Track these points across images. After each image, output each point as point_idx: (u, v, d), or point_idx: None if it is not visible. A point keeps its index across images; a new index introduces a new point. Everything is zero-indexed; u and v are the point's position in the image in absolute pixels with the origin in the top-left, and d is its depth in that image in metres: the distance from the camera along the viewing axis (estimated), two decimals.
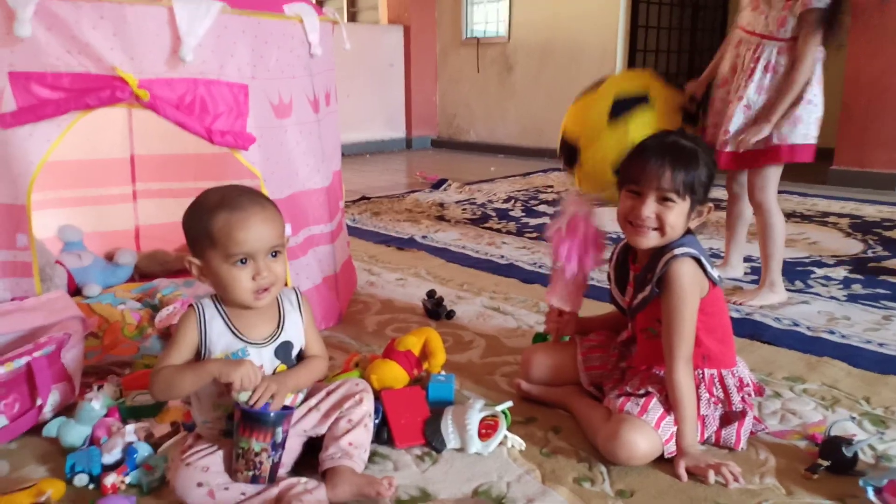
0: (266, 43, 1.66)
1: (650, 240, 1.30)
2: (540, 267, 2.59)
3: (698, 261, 1.28)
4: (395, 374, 1.50)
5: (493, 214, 3.58)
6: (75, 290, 2.07)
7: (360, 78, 6.06)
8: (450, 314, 2.06)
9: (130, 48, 1.48)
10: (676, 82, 2.09)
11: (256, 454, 1.08)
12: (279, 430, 1.10)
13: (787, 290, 2.23)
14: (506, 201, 3.93)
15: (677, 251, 1.27)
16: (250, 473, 1.09)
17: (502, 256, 2.75)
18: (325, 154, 1.94)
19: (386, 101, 6.56)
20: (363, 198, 4.04)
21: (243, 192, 1.17)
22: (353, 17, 7.20)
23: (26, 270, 1.57)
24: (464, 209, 3.72)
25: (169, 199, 2.43)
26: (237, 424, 1.09)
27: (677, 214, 1.27)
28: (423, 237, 3.07)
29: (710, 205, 1.33)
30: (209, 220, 1.11)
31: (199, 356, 1.16)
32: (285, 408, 1.14)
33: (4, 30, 1.43)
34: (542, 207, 3.75)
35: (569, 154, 1.99)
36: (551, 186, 4.43)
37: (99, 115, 1.55)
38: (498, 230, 3.23)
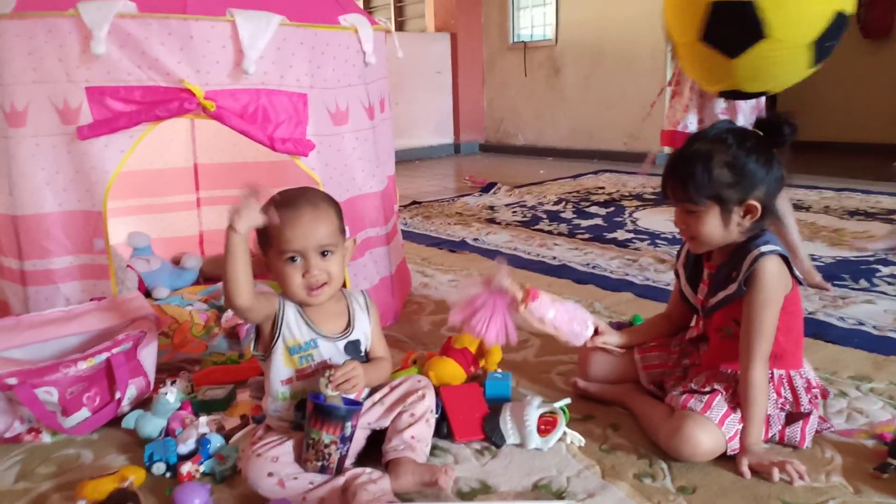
0: (323, 53, 1.72)
1: (696, 247, 1.34)
2: (594, 268, 2.59)
3: (784, 258, 1.26)
4: (452, 371, 1.52)
5: (544, 216, 3.58)
6: (145, 293, 2.17)
7: (409, 86, 6.14)
8: None
9: (196, 62, 1.55)
10: None
11: (326, 446, 1.12)
12: (348, 424, 1.14)
13: (852, 288, 2.21)
14: (556, 203, 3.92)
15: (764, 248, 1.24)
16: (319, 464, 1.13)
17: (554, 258, 2.75)
18: (380, 159, 1.99)
19: (434, 108, 6.62)
20: (414, 202, 4.09)
21: (305, 193, 1.22)
22: (400, 26, 7.29)
23: (103, 273, 1.66)
24: (514, 212, 3.73)
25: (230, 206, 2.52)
26: (309, 416, 1.14)
27: (705, 223, 1.26)
28: (475, 239, 3.10)
29: (752, 202, 1.23)
30: None
31: (274, 324, 1.21)
32: (355, 403, 1.17)
33: (81, 48, 1.52)
34: (593, 209, 3.72)
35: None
36: (602, 188, 4.40)
37: (164, 127, 1.63)
38: (549, 232, 3.23)
